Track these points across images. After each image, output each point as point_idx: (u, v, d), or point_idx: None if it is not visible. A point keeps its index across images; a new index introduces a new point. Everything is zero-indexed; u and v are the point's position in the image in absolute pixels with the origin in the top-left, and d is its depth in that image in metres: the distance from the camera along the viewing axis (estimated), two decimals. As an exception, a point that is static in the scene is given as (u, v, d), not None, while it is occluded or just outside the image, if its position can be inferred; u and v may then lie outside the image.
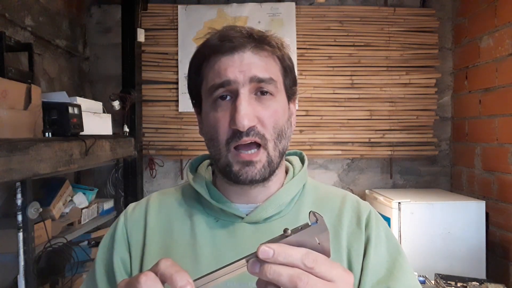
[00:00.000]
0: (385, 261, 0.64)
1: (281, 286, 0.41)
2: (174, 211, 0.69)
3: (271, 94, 0.63)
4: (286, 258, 0.41)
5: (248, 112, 0.59)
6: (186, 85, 0.71)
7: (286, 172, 0.73)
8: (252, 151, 0.61)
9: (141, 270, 0.64)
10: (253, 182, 0.62)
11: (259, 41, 0.63)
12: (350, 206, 0.69)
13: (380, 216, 0.71)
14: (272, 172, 0.64)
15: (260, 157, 0.61)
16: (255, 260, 0.42)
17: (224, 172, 0.64)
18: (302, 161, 0.75)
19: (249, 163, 0.61)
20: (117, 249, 0.67)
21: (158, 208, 0.70)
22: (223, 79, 0.61)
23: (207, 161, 0.75)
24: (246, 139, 0.60)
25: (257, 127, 0.61)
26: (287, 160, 0.75)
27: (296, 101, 0.74)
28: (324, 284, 0.41)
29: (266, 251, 0.41)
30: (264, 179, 0.63)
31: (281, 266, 0.41)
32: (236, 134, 0.60)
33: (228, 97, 0.62)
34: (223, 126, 0.61)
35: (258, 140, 0.61)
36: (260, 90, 0.62)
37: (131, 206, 0.73)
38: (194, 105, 0.71)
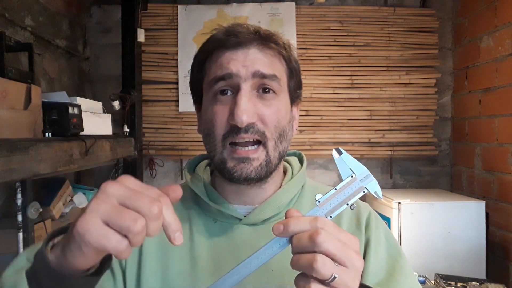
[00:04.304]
0: (385, 263, 0.64)
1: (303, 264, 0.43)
2: None
3: (274, 92, 0.61)
4: (295, 226, 0.45)
5: (248, 108, 0.58)
6: (187, 84, 0.70)
7: (285, 172, 0.71)
8: (251, 147, 0.59)
9: (139, 270, 0.63)
10: (247, 180, 0.60)
11: (266, 39, 0.62)
12: None
13: (379, 217, 0.71)
14: (269, 174, 0.62)
15: (258, 155, 0.60)
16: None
17: (219, 169, 0.63)
18: (301, 161, 0.73)
19: (245, 159, 0.59)
20: None
21: None
22: (225, 71, 0.59)
23: (205, 161, 0.74)
24: (244, 136, 0.58)
25: (257, 125, 0.59)
26: (285, 160, 0.73)
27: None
28: (338, 267, 0.43)
29: (277, 226, 0.45)
30: (260, 178, 0.61)
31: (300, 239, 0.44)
32: (234, 130, 0.58)
33: (229, 92, 0.61)
34: (221, 121, 0.60)
35: (257, 137, 0.59)
36: (263, 87, 0.60)
37: None
38: (194, 101, 0.70)
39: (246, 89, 0.59)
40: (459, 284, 1.70)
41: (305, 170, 0.71)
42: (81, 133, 1.60)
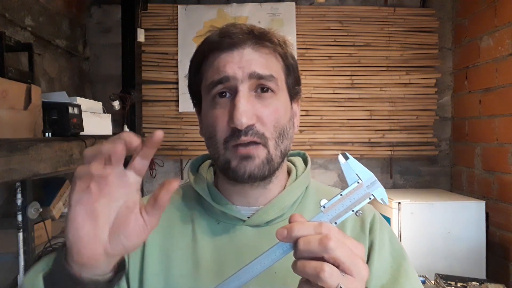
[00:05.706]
0: (389, 266, 0.63)
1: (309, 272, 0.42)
2: (175, 213, 0.68)
3: (272, 91, 0.61)
4: (299, 231, 0.43)
5: (247, 109, 0.58)
6: (187, 84, 0.70)
7: (289, 173, 0.71)
8: (252, 146, 0.59)
9: (141, 272, 0.63)
10: (251, 177, 0.60)
11: (260, 37, 0.62)
12: None
13: (384, 219, 0.70)
14: (272, 172, 0.62)
15: (258, 152, 0.60)
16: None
17: (223, 169, 0.63)
18: (305, 162, 0.73)
19: (247, 157, 0.59)
20: None
21: None
22: (222, 75, 0.59)
23: (208, 161, 0.74)
24: (245, 139, 0.58)
25: (256, 126, 0.59)
26: (289, 161, 0.73)
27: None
28: (343, 277, 0.42)
29: (281, 231, 0.44)
30: (263, 176, 0.61)
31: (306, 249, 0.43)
32: (235, 133, 0.58)
33: (227, 95, 0.60)
34: (222, 124, 0.60)
35: (257, 139, 0.59)
36: (261, 87, 0.60)
37: None
38: (194, 104, 0.70)
39: (244, 90, 0.59)
40: (459, 284, 1.70)
41: (309, 171, 0.71)
42: (81, 133, 1.60)
